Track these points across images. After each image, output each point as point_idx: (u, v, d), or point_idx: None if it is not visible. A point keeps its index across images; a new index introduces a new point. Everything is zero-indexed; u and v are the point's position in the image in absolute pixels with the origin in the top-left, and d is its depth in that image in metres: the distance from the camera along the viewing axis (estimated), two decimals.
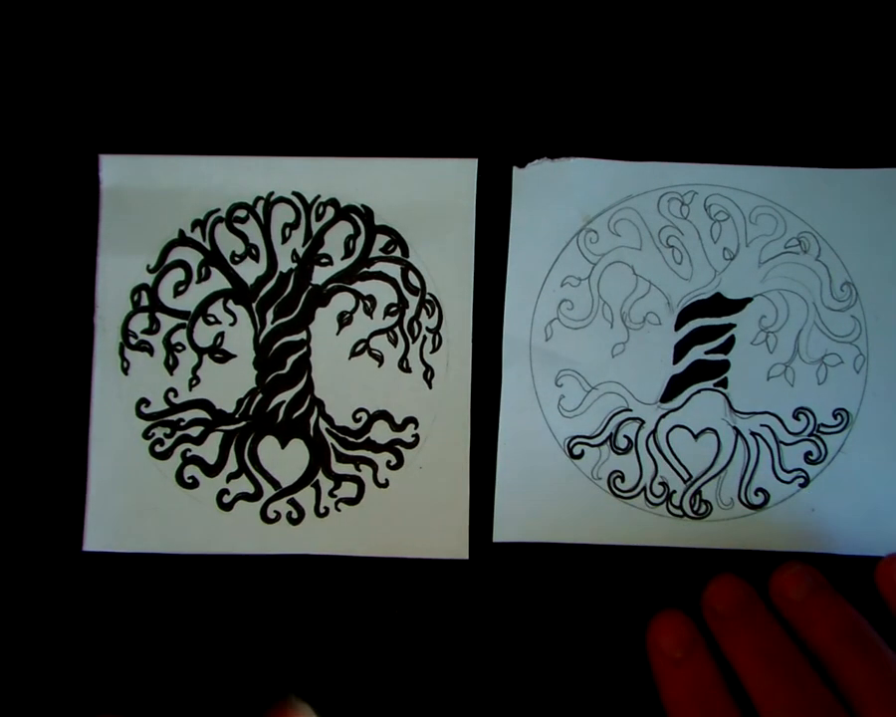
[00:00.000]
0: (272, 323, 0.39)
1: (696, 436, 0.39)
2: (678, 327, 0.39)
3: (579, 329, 0.39)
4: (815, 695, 0.32)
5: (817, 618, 0.34)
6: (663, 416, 0.39)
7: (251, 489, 0.39)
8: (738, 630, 0.34)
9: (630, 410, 0.39)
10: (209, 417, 0.39)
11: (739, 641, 0.33)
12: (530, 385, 0.39)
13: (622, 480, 0.39)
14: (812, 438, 0.38)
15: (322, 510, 0.39)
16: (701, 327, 0.39)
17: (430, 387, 0.39)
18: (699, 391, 0.39)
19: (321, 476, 0.39)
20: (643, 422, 0.39)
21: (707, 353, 0.39)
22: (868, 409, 0.38)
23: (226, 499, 0.39)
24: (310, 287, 0.39)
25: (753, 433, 0.39)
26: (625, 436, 0.39)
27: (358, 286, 0.39)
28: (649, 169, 0.39)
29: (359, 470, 0.39)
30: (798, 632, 0.34)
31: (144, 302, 0.39)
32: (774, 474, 0.38)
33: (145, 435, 0.39)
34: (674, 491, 0.38)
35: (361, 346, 0.39)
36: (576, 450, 0.39)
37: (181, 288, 0.39)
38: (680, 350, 0.39)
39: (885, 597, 0.35)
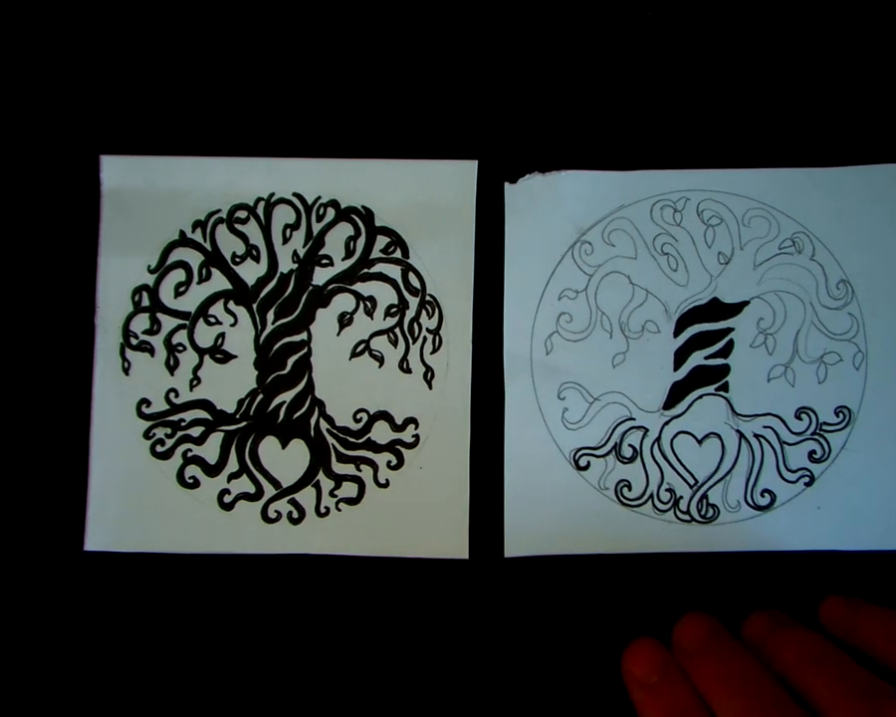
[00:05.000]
0: (272, 323, 0.39)
1: (700, 441, 0.39)
2: (677, 333, 0.39)
3: (579, 341, 0.39)
4: (784, 712, 0.31)
5: (782, 650, 0.33)
6: (666, 423, 0.39)
7: (252, 489, 0.39)
8: (704, 662, 0.33)
9: (634, 419, 0.39)
10: (210, 418, 0.39)
11: (706, 672, 0.33)
12: (532, 400, 0.39)
13: (629, 489, 0.39)
14: (816, 437, 0.38)
15: (322, 510, 0.39)
16: (700, 332, 0.39)
17: (430, 388, 0.39)
18: (701, 397, 0.39)
19: (321, 476, 0.39)
20: (647, 430, 0.39)
21: (707, 358, 0.39)
22: (869, 405, 0.38)
23: (227, 499, 0.39)
24: (310, 288, 0.39)
25: (756, 435, 0.38)
26: (630, 445, 0.39)
27: (359, 287, 0.39)
28: (640, 178, 0.39)
29: (360, 470, 0.39)
30: (771, 666, 0.34)
31: (145, 302, 0.39)
32: (779, 474, 0.38)
33: (146, 435, 0.39)
34: (681, 497, 0.38)
35: (362, 346, 0.39)
36: (582, 462, 0.39)
37: (182, 288, 0.39)
38: (680, 356, 0.39)
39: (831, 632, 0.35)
